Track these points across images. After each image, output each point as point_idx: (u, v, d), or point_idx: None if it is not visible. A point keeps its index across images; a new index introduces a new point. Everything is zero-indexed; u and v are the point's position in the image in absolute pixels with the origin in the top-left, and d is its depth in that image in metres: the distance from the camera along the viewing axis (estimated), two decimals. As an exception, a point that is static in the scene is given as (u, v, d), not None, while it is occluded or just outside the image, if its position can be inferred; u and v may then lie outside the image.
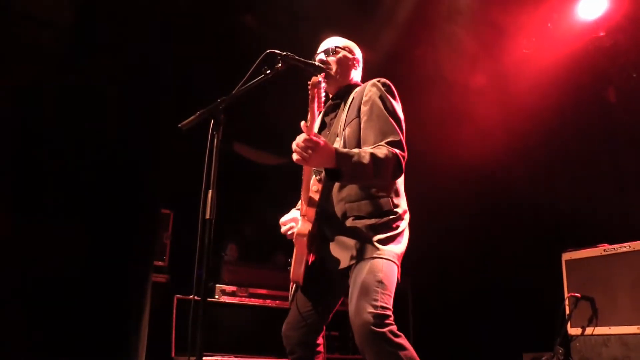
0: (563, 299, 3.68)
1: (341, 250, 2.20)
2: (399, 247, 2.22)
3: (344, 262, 2.18)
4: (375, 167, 2.06)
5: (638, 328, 3.42)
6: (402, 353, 1.99)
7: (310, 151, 1.96)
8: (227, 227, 4.31)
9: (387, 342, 1.98)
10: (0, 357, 2.96)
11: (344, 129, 2.31)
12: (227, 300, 4.19)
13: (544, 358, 3.39)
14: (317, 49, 2.54)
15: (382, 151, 2.11)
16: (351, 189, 2.25)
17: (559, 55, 4.66)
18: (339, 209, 2.25)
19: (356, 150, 2.11)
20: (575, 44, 4.63)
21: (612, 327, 3.52)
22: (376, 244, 2.14)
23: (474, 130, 5.06)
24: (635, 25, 4.42)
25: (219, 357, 3.74)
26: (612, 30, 4.52)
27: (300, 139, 1.99)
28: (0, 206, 3.14)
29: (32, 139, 3.29)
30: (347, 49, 2.51)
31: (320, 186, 2.25)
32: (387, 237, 2.17)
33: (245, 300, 4.28)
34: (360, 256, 2.14)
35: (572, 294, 3.48)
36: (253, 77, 2.17)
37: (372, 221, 2.19)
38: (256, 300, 4.33)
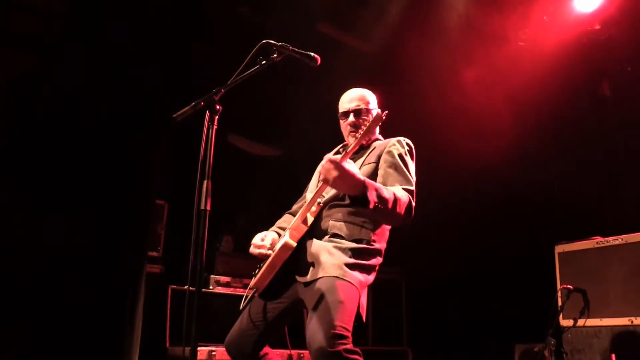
0: (555, 291, 3.71)
1: (310, 262, 2.25)
2: (364, 277, 2.27)
3: (309, 275, 2.23)
4: (395, 203, 2.16)
5: (629, 320, 3.45)
6: None
7: (335, 173, 2.06)
8: (222, 218, 4.29)
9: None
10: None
11: (360, 168, 2.39)
12: (221, 291, 4.19)
13: (535, 349, 3.41)
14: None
15: (400, 192, 2.23)
16: (340, 210, 2.34)
17: (554, 48, 4.65)
18: (322, 224, 2.34)
19: (379, 184, 2.20)
20: (570, 37, 4.63)
21: (603, 319, 3.56)
22: (344, 266, 2.19)
23: (468, 123, 5.06)
24: (630, 19, 4.42)
25: (213, 347, 3.75)
26: (608, 23, 4.52)
27: (327, 159, 2.11)
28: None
29: (25, 130, 3.27)
30: (374, 106, 2.58)
31: (318, 209, 2.36)
32: (355, 264, 2.24)
33: (240, 291, 4.27)
34: (325, 272, 2.18)
35: (565, 285, 3.50)
36: (248, 67, 2.17)
37: (348, 244, 2.27)
38: (250, 291, 4.33)
